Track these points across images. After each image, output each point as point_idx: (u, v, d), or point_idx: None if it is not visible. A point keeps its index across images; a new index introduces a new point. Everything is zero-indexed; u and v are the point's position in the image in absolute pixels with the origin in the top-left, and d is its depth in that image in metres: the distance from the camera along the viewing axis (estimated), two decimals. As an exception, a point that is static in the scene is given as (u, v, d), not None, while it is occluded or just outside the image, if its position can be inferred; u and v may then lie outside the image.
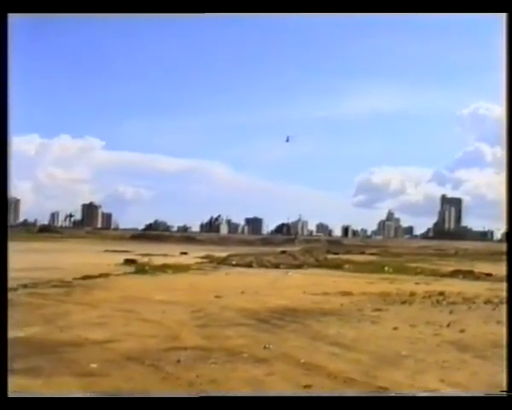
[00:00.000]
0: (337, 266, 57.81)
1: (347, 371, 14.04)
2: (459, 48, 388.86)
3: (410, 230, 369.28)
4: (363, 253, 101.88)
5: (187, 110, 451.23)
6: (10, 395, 7.54)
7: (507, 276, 9.05)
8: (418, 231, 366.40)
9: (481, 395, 9.33)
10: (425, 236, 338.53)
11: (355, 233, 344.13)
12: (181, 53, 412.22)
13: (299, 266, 57.08)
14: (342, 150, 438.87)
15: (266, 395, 9.17)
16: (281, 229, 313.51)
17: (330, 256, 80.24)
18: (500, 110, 8.78)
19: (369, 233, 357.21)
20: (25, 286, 30.84)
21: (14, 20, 8.01)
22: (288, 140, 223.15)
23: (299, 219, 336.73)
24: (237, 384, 12.76)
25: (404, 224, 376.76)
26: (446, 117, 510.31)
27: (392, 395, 9.62)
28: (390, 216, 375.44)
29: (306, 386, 12.67)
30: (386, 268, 52.95)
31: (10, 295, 26.14)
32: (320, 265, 60.57)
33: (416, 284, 37.80)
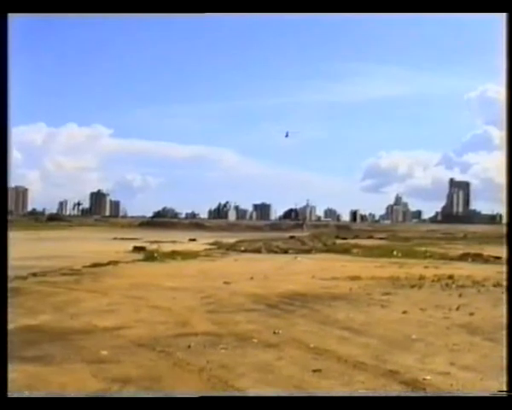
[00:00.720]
0: (345, 250, 57.77)
1: (357, 356, 14.06)
2: (466, 31, 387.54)
3: (418, 214, 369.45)
4: (371, 237, 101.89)
5: (195, 97, 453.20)
6: (10, 395, 7.53)
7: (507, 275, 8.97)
8: (426, 214, 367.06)
9: (481, 395, 9.35)
10: (433, 219, 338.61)
11: (363, 218, 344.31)
12: (189, 40, 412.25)
13: (308, 252, 57.13)
14: (350, 135, 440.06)
15: (266, 396, 9.19)
16: (289, 214, 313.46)
17: (339, 241, 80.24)
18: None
19: (377, 218, 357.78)
20: (35, 275, 30.98)
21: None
22: (287, 135, 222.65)
23: (307, 205, 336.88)
24: (247, 369, 12.80)
25: (413, 208, 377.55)
26: (454, 100, 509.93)
27: (392, 395, 9.64)
28: (398, 200, 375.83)
29: (316, 370, 12.72)
30: (394, 252, 52.90)
31: (20, 284, 26.54)
32: (328, 250, 60.51)
33: (425, 267, 37.73)
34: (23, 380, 11.90)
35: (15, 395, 7.74)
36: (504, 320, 8.58)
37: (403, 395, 9.58)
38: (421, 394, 9.81)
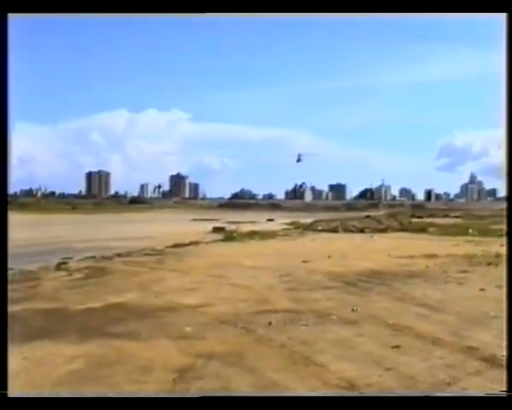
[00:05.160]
0: (421, 229, 57.05)
1: (435, 332, 13.93)
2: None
3: (493, 192, 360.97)
4: (446, 216, 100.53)
5: (269, 80, 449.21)
6: (10, 394, 7.57)
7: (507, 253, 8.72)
8: (502, 193, 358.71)
9: (481, 395, 9.23)
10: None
11: (438, 197, 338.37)
12: (262, 20, 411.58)
13: (384, 230, 56.76)
14: (423, 116, 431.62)
15: (267, 396, 9.14)
16: (364, 194, 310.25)
17: (414, 220, 79.39)
18: None
19: (451, 196, 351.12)
20: (119, 255, 31.70)
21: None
22: (299, 160, 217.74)
23: (381, 184, 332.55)
24: (327, 345, 12.83)
25: (488, 186, 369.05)
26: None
27: (392, 395, 9.52)
28: (473, 179, 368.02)
29: (395, 346, 12.67)
30: (470, 230, 52.01)
31: (107, 264, 27.19)
32: (404, 228, 59.88)
33: (502, 245, 36.89)
34: (112, 355, 12.24)
35: (16, 395, 7.78)
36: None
37: (403, 394, 9.45)
38: (421, 393, 9.66)
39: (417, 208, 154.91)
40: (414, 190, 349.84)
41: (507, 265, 8.51)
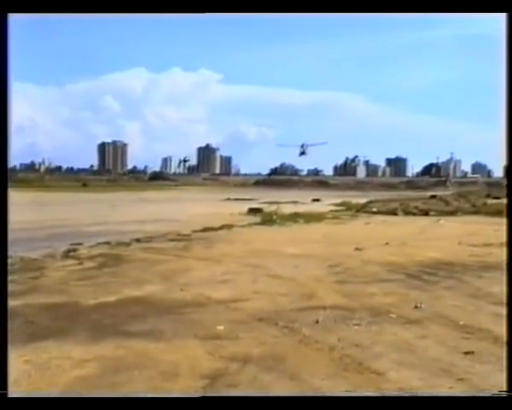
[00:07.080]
0: (499, 212, 56.10)
1: (517, 336, 13.77)
2: None
3: None
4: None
5: (317, 34, 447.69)
6: (10, 395, 7.88)
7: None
8: None
9: (481, 395, 9.43)
10: None
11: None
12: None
13: (453, 213, 56.45)
14: (501, 72, 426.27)
15: (268, 396, 9.29)
16: (429, 170, 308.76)
17: (490, 201, 78.33)
18: None
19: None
20: (138, 240, 31.85)
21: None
22: (303, 153, 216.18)
23: (450, 158, 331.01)
24: (385, 349, 12.73)
25: None
26: None
27: (392, 395, 9.70)
28: None
29: (468, 352, 12.54)
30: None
31: (123, 251, 27.36)
32: (478, 211, 59.38)
33: None
34: (130, 358, 12.21)
35: (16, 395, 8.09)
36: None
37: (402, 395, 9.56)
38: (421, 393, 9.70)
39: (494, 187, 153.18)
40: (490, 166, 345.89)
41: (507, 265, 8.62)
